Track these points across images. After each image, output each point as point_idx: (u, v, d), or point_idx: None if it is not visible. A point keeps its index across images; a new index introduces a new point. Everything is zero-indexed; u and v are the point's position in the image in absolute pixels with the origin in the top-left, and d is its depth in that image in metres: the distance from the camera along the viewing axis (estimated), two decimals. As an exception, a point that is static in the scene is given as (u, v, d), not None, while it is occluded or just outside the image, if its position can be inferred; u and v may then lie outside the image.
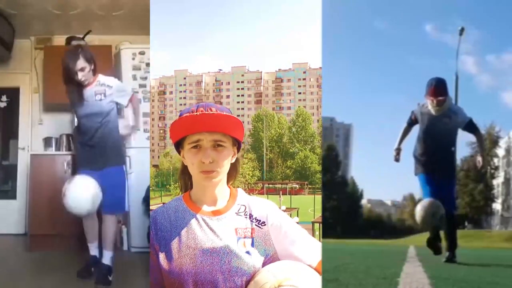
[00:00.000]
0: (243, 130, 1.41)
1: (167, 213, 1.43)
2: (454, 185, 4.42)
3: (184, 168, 1.45)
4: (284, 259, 1.38)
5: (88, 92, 3.81)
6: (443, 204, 4.06)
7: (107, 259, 3.89)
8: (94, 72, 3.82)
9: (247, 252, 1.36)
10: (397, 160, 4.46)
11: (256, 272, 1.34)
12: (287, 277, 1.28)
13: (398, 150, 4.47)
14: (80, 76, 3.71)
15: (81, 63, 3.69)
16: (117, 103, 3.95)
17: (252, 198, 1.47)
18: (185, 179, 1.48)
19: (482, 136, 4.55)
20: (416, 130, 4.44)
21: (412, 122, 4.42)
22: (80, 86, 3.79)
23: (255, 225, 1.41)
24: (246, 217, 1.41)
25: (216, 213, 1.41)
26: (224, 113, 1.37)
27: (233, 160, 1.44)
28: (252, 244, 1.38)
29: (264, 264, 1.37)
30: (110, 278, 3.82)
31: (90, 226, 4.00)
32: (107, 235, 3.92)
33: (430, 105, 4.19)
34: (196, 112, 1.36)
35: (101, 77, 3.87)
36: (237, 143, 1.43)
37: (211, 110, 1.36)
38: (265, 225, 1.41)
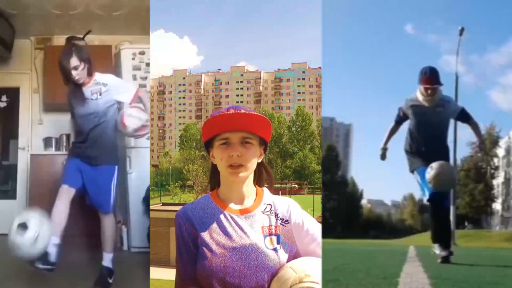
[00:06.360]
0: (270, 130, 1.50)
1: (196, 210, 1.50)
2: None
3: (213, 169, 1.54)
4: (305, 256, 1.45)
5: (85, 92, 3.75)
6: (441, 198, 4.03)
7: (107, 261, 3.83)
8: (90, 71, 3.74)
9: (274, 249, 1.43)
10: (383, 158, 4.38)
11: (281, 267, 1.41)
12: (308, 274, 1.35)
13: (385, 150, 4.39)
14: (74, 74, 3.64)
15: (74, 61, 3.62)
16: (117, 102, 3.84)
17: (276, 197, 1.54)
18: (213, 178, 1.56)
19: (477, 123, 4.30)
20: (403, 127, 4.34)
21: (400, 120, 4.31)
22: (77, 86, 3.73)
23: (280, 223, 1.48)
24: (271, 216, 1.49)
25: (243, 211, 1.48)
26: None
27: (260, 160, 1.52)
28: (278, 241, 1.45)
29: (288, 260, 1.43)
30: (110, 281, 3.78)
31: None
32: (104, 236, 3.85)
33: (422, 95, 4.08)
34: (227, 113, 1.45)
35: (97, 76, 3.79)
36: (264, 144, 1.52)
37: (240, 111, 1.46)
38: (288, 223, 1.48)
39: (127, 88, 3.93)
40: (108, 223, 3.86)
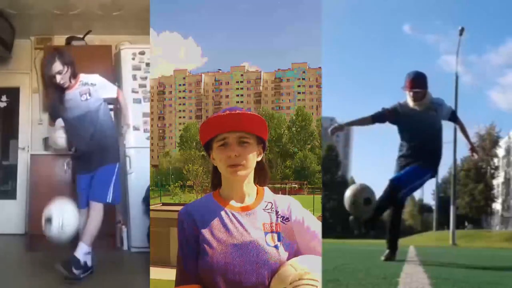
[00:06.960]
0: (266, 129, 1.52)
1: (198, 208, 1.52)
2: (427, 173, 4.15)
3: (215, 170, 1.55)
4: (306, 253, 1.47)
5: (72, 94, 3.81)
6: (402, 185, 3.98)
7: (80, 253, 3.73)
8: (75, 74, 3.81)
9: (275, 246, 1.45)
10: (332, 132, 4.22)
11: (281, 264, 1.42)
12: (308, 272, 1.36)
13: (341, 127, 4.25)
14: (59, 79, 3.72)
15: (57, 66, 3.70)
16: (106, 100, 3.93)
17: (277, 196, 1.56)
18: (215, 179, 1.57)
19: (463, 124, 4.26)
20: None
21: (378, 117, 4.16)
22: (62, 90, 3.79)
23: (280, 221, 1.49)
24: (272, 213, 1.51)
25: (244, 209, 1.50)
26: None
27: (259, 159, 1.53)
28: (279, 239, 1.46)
29: (288, 258, 1.45)
30: (76, 272, 3.67)
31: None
32: (88, 225, 3.79)
33: (409, 99, 4.01)
34: (221, 114, 1.47)
35: (83, 77, 3.86)
36: (262, 143, 1.54)
37: (235, 111, 1.47)
38: (288, 221, 1.50)
39: (111, 87, 4.04)
40: (97, 212, 3.83)
